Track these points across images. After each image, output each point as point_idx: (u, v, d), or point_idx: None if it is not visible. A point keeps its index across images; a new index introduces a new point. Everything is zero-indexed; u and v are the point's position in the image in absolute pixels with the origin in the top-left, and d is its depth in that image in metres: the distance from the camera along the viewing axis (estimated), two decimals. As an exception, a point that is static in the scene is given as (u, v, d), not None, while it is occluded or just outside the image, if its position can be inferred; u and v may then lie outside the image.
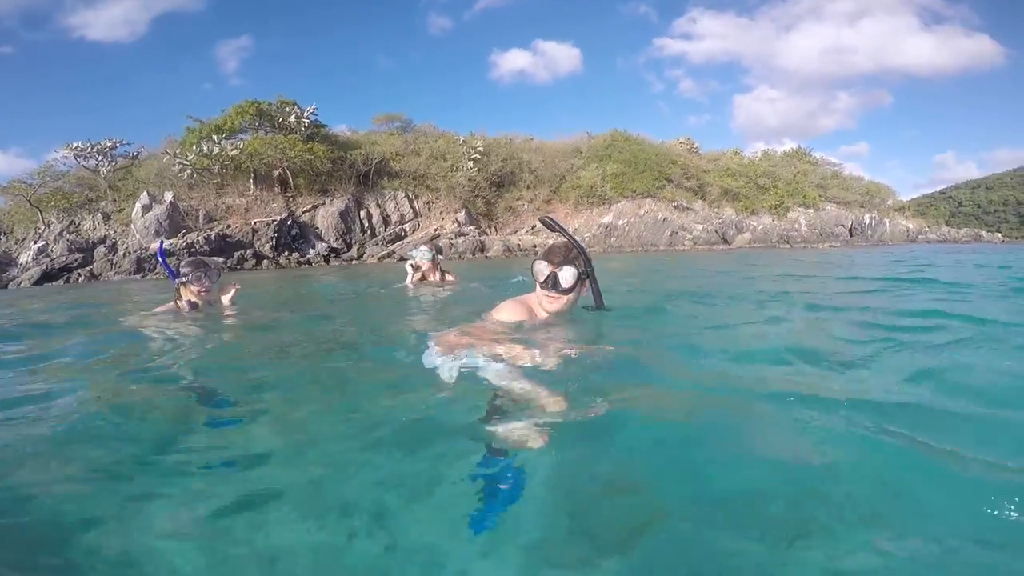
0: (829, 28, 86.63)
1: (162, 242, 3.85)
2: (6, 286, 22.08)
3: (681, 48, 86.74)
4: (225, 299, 3.82)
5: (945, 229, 47.98)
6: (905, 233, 40.12)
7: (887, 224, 39.19)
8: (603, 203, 28.77)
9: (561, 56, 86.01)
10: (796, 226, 33.14)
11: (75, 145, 27.50)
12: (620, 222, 27.98)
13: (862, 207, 39.06)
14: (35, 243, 24.71)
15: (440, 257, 5.51)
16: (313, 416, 1.75)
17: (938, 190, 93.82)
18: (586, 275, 2.28)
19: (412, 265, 5.28)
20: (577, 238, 2.15)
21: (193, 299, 3.56)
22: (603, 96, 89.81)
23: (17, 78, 64.16)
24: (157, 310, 3.66)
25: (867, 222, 37.53)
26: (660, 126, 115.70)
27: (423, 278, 5.30)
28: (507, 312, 2.25)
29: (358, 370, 2.30)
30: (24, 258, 24.14)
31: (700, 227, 29.13)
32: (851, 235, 34.96)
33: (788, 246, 29.87)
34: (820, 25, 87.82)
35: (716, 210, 31.23)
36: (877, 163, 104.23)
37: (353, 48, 75.79)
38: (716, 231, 29.37)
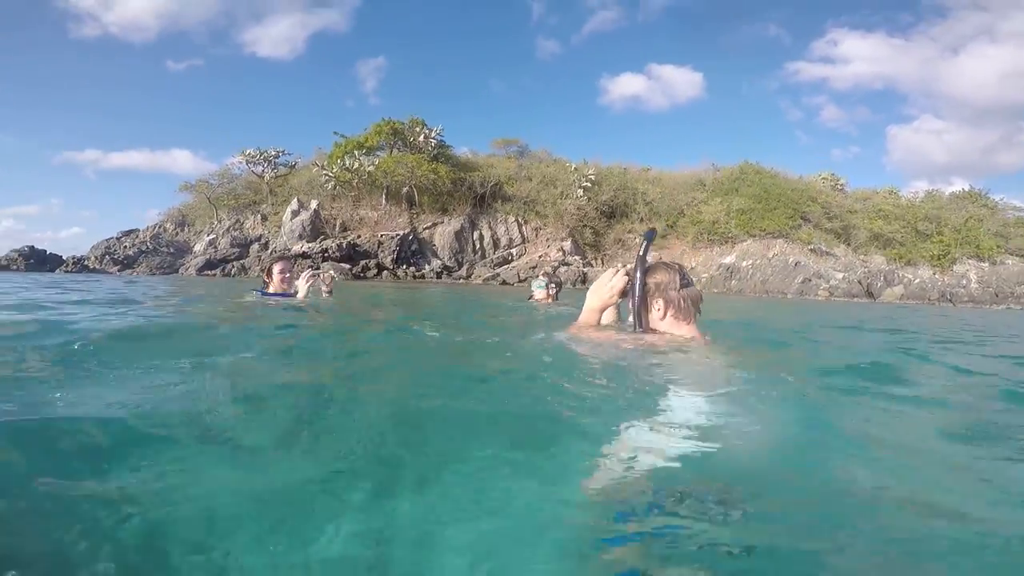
0: (1008, 50, 72.33)
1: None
2: (177, 271, 26.38)
3: (821, 72, 77.90)
4: (324, 290, 4.29)
5: None
6: (1118, 298, 32.19)
7: (1091, 286, 31.73)
8: (726, 241, 26.75)
9: (680, 81, 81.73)
10: (964, 282, 28.08)
11: (248, 152, 32.11)
12: (744, 263, 25.78)
13: (1056, 262, 32.07)
14: (207, 236, 29.21)
15: (553, 288, 6.50)
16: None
17: None
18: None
19: (539, 298, 6.22)
20: (687, 275, 1.90)
21: (278, 285, 4.08)
22: (730, 124, 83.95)
23: (206, 88, 77.06)
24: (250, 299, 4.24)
25: (1062, 282, 30.68)
26: (798, 159, 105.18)
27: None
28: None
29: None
30: (198, 247, 28.64)
31: (840, 275, 25.81)
32: (1038, 297, 28.79)
33: (951, 305, 25.39)
34: (996, 47, 73.68)
35: (862, 257, 27.50)
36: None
37: (470, 71, 79.47)
38: (860, 281, 25.81)
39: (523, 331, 2.71)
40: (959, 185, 38.02)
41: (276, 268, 4.15)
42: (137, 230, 32.81)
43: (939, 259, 28.29)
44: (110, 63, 72.66)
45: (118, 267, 27.69)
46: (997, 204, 33.63)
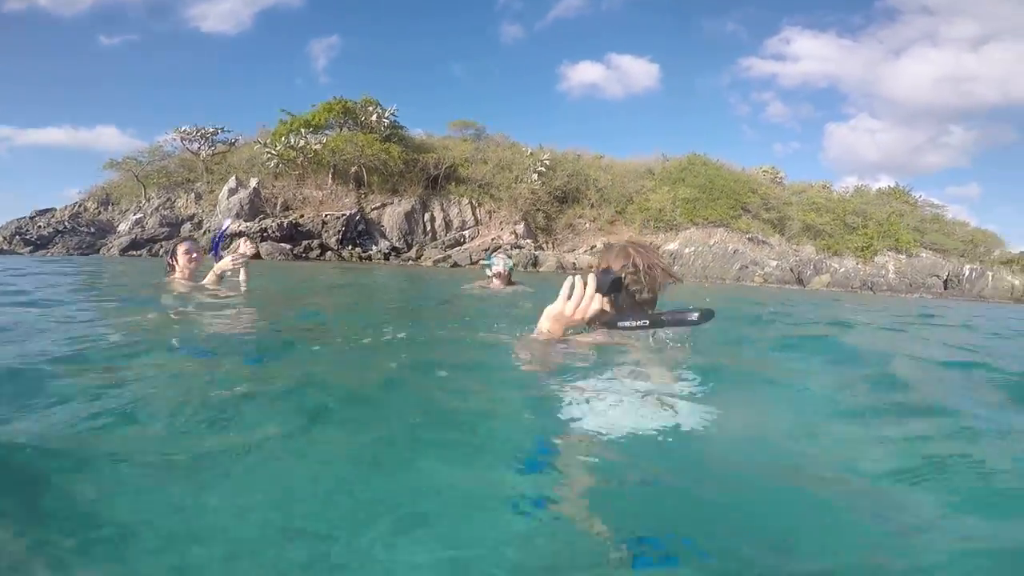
0: (947, 55, 78.18)
1: (226, 227, 4.12)
2: (98, 251, 24.41)
3: (771, 69, 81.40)
4: (242, 274, 4.03)
5: (1063, 291, 42.27)
6: (1010, 290, 35.49)
7: (989, 278, 34.92)
8: (670, 229, 27.66)
9: (637, 71, 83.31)
10: (883, 272, 30.33)
11: (183, 129, 29.99)
12: (686, 250, 26.78)
13: (962, 256, 35.15)
14: (134, 215, 27.18)
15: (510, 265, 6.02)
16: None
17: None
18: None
19: (494, 272, 5.68)
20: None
21: (184, 267, 3.91)
22: (681, 116, 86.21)
23: (140, 64, 71.24)
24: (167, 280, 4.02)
25: (966, 274, 33.66)
26: (743, 152, 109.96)
27: (493, 282, 5.71)
28: None
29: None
30: (123, 227, 26.59)
31: (774, 263, 27.32)
32: (945, 287, 31.50)
33: (871, 293, 27.39)
34: (936, 51, 79.41)
35: (795, 247, 29.18)
36: (988, 208, 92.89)
37: (431, 53, 77.39)
38: (792, 269, 27.43)
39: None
40: (886, 182, 41.00)
41: (181, 249, 3.92)
42: (54, 209, 30.04)
43: (863, 251, 30.40)
44: (33, 38, 65.68)
45: (30, 248, 25.28)
46: (917, 201, 36.54)
